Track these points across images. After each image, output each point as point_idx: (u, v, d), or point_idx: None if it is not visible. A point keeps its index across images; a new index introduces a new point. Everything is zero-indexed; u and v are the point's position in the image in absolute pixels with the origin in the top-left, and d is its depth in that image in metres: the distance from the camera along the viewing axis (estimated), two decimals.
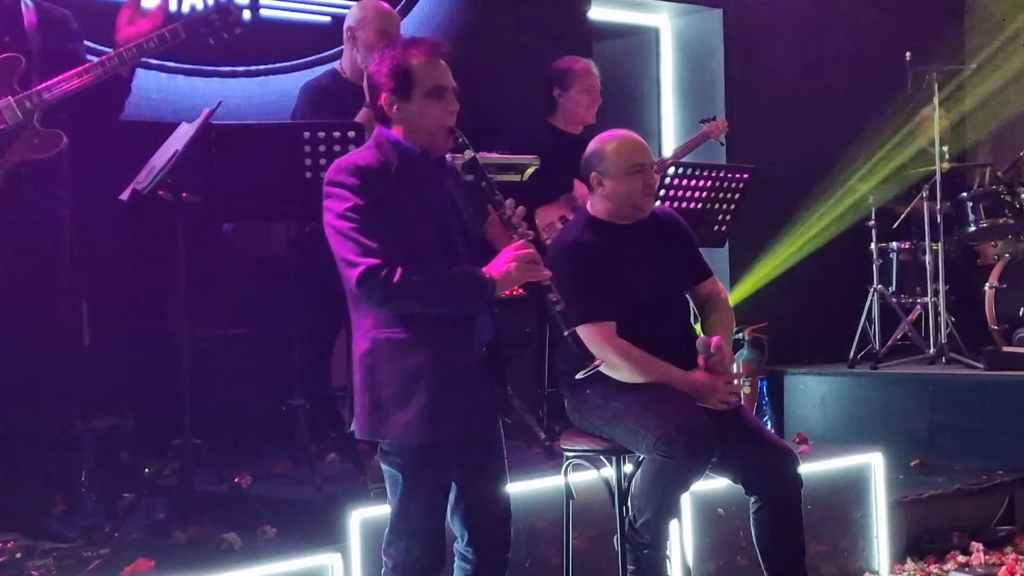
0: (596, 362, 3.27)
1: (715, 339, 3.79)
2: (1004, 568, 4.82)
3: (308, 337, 4.49)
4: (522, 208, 3.20)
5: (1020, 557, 4.96)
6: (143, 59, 3.99)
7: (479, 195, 3.22)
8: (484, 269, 3.11)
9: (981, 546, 5.03)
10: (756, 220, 6.37)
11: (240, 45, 5.33)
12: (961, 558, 4.98)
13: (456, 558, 3.33)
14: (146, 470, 4.36)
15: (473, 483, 3.28)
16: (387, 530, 3.23)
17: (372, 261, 3.02)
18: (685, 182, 5.05)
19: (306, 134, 4.13)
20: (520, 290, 4.82)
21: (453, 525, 3.31)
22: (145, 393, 4.74)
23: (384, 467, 3.21)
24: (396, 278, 3.01)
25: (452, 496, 3.30)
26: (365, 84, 3.24)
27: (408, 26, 5.73)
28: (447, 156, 3.31)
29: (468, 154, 3.17)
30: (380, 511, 3.61)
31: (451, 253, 3.17)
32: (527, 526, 4.06)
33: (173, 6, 5.15)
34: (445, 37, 5.91)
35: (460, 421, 3.16)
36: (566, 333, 3.19)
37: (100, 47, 4.11)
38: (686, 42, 7.46)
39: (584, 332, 3.62)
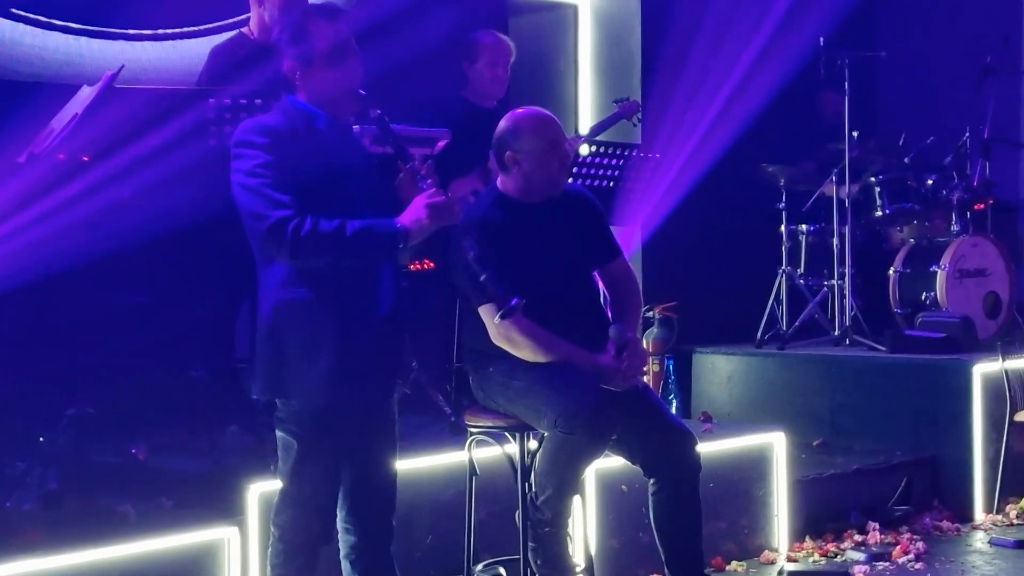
0: (513, 301, 3.26)
1: (630, 335, 3.81)
2: (899, 547, 4.91)
3: (210, 306, 4.43)
4: (431, 160, 3.23)
5: (914, 536, 5.06)
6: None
7: (389, 156, 3.25)
8: (396, 219, 3.16)
9: (877, 525, 5.12)
10: (669, 199, 6.42)
11: (149, 8, 5.24)
12: (858, 537, 5.06)
13: (339, 531, 3.31)
14: (40, 439, 4.26)
15: (362, 454, 3.28)
16: (276, 499, 3.22)
17: (282, 212, 3.08)
18: (598, 160, 5.05)
19: (211, 100, 4.05)
20: (430, 263, 4.80)
21: None
22: (40, 360, 4.63)
23: (279, 434, 3.21)
24: (306, 228, 3.06)
25: None
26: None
27: None
28: (356, 127, 3.33)
29: (374, 112, 3.23)
30: (280, 485, 3.57)
31: (355, 218, 3.18)
32: (431, 500, 4.06)
33: None
34: (357, 7, 5.86)
35: (361, 384, 3.18)
36: (483, 279, 3.25)
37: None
38: (604, 20, 7.44)
39: (488, 311, 3.62)
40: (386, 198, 3.25)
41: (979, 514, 5.49)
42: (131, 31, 5.21)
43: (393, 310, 3.29)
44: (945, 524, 5.30)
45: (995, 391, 5.60)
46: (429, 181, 3.19)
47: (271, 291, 3.19)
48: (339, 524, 3.31)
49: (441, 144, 4.83)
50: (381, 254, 3.17)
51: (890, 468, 5.51)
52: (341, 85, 3.22)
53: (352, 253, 3.13)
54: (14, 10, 4.76)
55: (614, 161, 5.08)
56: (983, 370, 5.60)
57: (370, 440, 3.27)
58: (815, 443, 5.84)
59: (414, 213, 3.16)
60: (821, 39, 6.68)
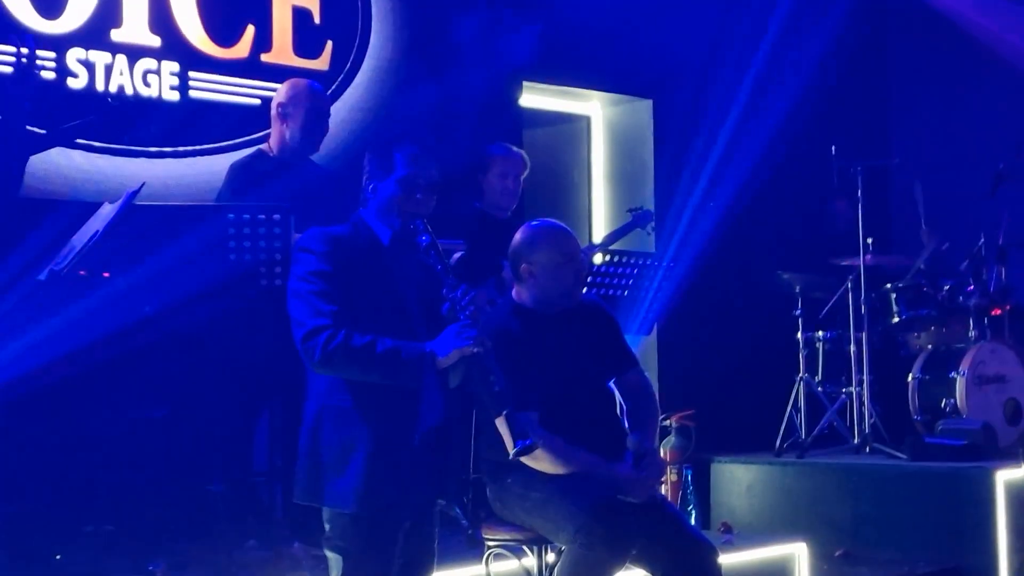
0: (528, 441, 3.24)
1: (648, 445, 3.80)
2: None
3: (229, 420, 4.43)
4: (473, 293, 3.27)
5: None
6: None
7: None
8: (427, 344, 3.19)
9: None
10: (685, 307, 6.44)
11: (168, 126, 5.34)
12: None
13: None
14: (57, 556, 4.24)
15: (403, 572, 3.27)
16: None
17: (320, 322, 3.14)
18: (613, 269, 5.08)
19: (231, 215, 4.11)
20: None
21: None
22: (58, 477, 4.62)
23: (327, 552, 3.24)
24: (337, 341, 3.11)
25: None
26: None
27: (341, 109, 5.75)
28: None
29: (424, 239, 3.30)
30: None
31: (408, 333, 3.23)
32: None
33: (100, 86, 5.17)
34: (376, 121, 5.97)
35: (396, 495, 3.19)
36: (504, 413, 3.22)
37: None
38: (617, 131, 7.56)
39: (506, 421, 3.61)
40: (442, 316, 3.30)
41: None
42: (151, 148, 5.29)
43: (440, 426, 3.29)
44: None
45: (1018, 498, 5.53)
46: (468, 312, 3.22)
47: (317, 397, 3.25)
48: None
49: (457, 255, 4.88)
50: (407, 375, 3.17)
51: None
52: (405, 206, 3.30)
53: (379, 371, 3.15)
54: (37, 129, 4.84)
55: (628, 270, 5.11)
56: (1006, 477, 5.54)
57: (407, 560, 3.27)
58: (837, 554, 5.75)
59: (443, 341, 3.19)
60: (833, 148, 6.74)
